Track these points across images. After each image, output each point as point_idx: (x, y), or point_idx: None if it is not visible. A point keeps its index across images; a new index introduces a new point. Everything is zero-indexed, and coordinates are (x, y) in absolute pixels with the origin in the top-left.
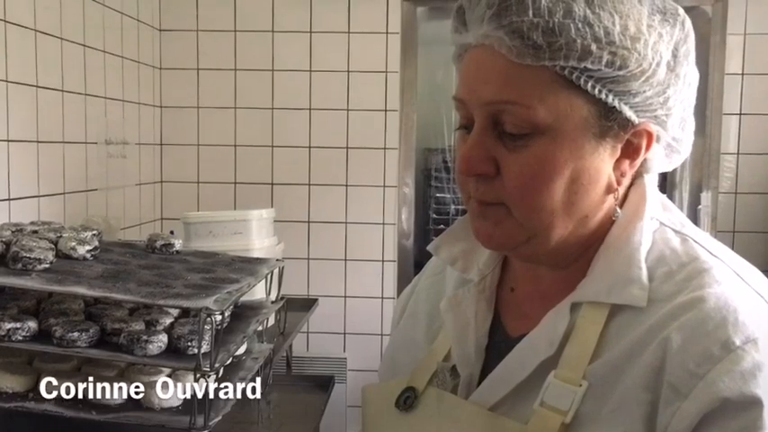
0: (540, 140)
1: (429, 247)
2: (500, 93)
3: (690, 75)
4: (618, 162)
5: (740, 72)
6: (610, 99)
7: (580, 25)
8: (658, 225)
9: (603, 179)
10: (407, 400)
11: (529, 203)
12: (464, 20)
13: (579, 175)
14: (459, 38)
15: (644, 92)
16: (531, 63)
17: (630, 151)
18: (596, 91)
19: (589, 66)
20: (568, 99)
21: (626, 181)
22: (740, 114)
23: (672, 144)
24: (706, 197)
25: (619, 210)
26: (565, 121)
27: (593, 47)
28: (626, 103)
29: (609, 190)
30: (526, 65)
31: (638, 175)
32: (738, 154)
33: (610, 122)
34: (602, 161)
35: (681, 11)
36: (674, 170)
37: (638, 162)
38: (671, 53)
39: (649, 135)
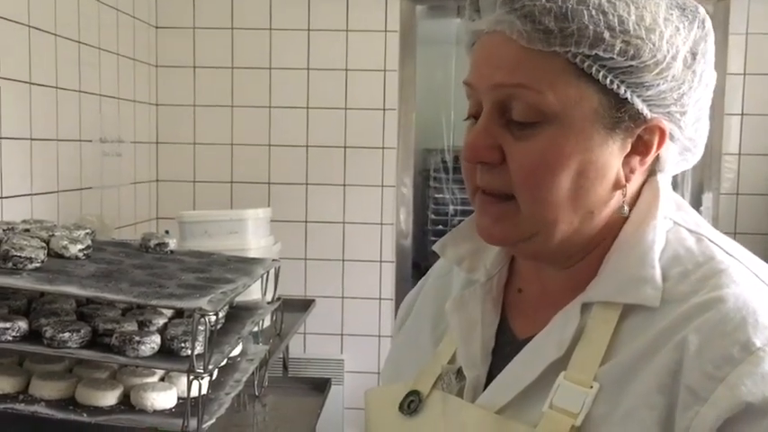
0: (547, 129)
1: (435, 247)
2: (510, 76)
3: (707, 75)
4: (627, 158)
5: (742, 72)
6: (622, 90)
7: (594, 12)
8: (672, 224)
9: (611, 174)
10: (412, 404)
11: (534, 195)
12: (478, 7)
13: (586, 168)
14: (472, 25)
15: (657, 85)
16: (541, 48)
17: (641, 148)
18: (608, 81)
19: (601, 53)
20: (579, 88)
21: (637, 179)
22: (742, 115)
23: (686, 143)
24: (707, 198)
25: (626, 207)
26: (573, 110)
27: (606, 34)
28: (638, 96)
29: (617, 186)
30: (537, 50)
31: (651, 174)
32: (740, 155)
33: (621, 114)
34: (611, 155)
35: (701, 10)
36: None
37: (648, 159)
38: (688, 49)
39: (662, 132)
